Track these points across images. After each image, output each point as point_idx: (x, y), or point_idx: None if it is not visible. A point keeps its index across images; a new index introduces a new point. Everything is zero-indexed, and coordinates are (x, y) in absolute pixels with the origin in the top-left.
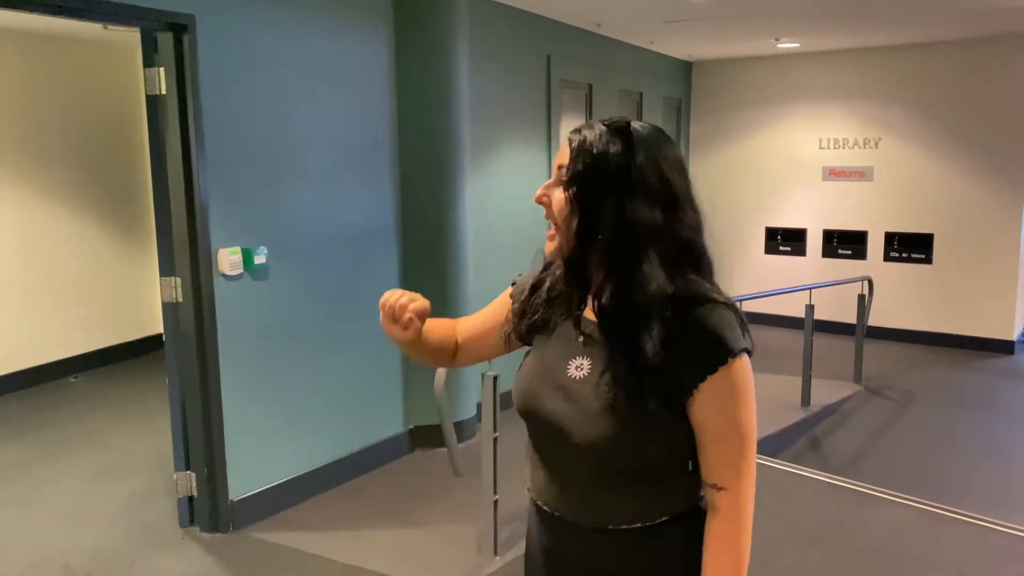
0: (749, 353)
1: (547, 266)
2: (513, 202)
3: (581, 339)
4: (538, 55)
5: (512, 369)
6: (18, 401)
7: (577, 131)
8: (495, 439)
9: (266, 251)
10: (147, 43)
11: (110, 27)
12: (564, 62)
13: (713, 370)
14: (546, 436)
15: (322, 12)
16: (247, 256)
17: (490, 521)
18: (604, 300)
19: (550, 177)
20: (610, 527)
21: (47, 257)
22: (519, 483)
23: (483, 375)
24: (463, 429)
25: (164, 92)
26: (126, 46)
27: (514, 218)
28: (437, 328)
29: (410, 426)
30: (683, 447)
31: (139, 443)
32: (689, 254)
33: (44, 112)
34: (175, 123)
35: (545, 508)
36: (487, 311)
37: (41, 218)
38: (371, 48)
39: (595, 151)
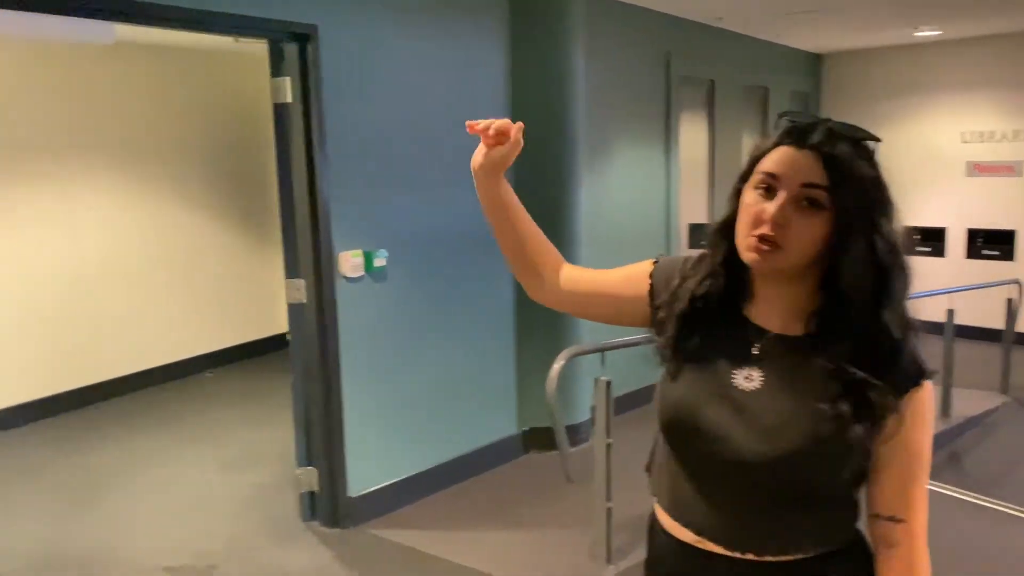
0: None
1: (711, 272)
2: (630, 203)
3: (756, 350)
4: (656, 52)
5: (623, 375)
6: (159, 394)
7: (826, 142)
8: (608, 445)
9: (386, 254)
10: (274, 53)
11: (241, 39)
12: (684, 58)
13: (907, 391)
14: (702, 450)
15: (439, 17)
16: (368, 259)
17: (603, 528)
18: (846, 333)
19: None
20: (769, 558)
21: (187, 259)
22: (632, 491)
23: (596, 379)
24: (577, 433)
25: (290, 100)
26: (256, 57)
27: (632, 218)
28: (539, 235)
29: (524, 428)
30: (858, 474)
31: (267, 437)
32: (907, 286)
33: (184, 121)
34: (299, 130)
35: (685, 530)
36: (614, 277)
37: (181, 222)
38: (487, 50)
39: (854, 173)
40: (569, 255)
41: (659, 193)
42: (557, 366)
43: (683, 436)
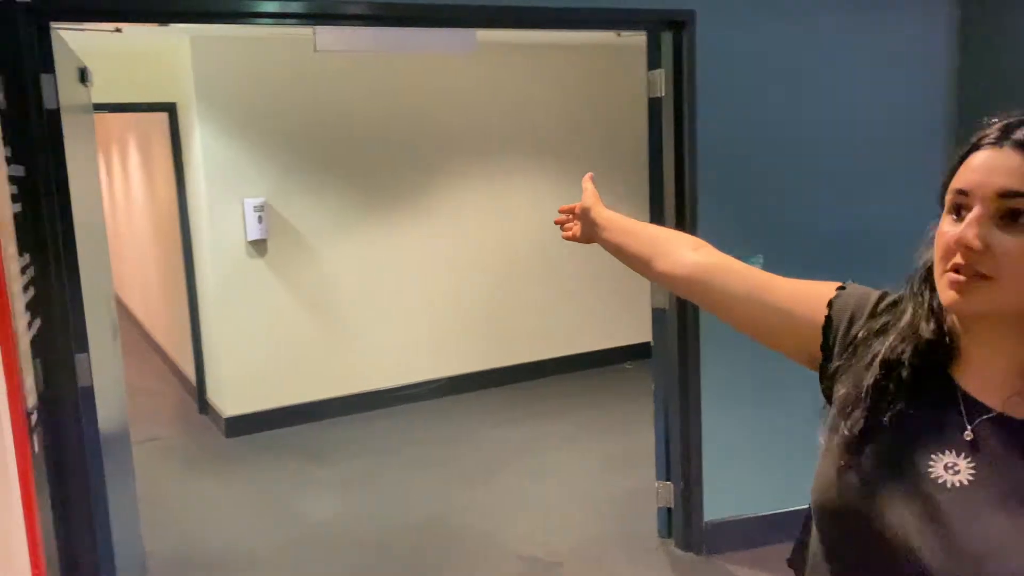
0: None
1: (910, 327)
2: None
3: (969, 433)
4: None
5: None
6: (577, 380)
7: None
8: None
9: (761, 260)
10: (651, 45)
11: (623, 34)
12: None
13: None
14: (872, 559)
15: None
16: None
17: None
18: None
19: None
20: None
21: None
22: None
23: None
24: None
25: (663, 94)
26: (634, 48)
27: None
28: (656, 239)
29: None
30: None
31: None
32: None
33: (593, 118)
34: (670, 125)
35: None
36: (782, 283)
37: None
38: (920, 20)
39: None
40: None
41: None
42: None
43: (846, 534)
